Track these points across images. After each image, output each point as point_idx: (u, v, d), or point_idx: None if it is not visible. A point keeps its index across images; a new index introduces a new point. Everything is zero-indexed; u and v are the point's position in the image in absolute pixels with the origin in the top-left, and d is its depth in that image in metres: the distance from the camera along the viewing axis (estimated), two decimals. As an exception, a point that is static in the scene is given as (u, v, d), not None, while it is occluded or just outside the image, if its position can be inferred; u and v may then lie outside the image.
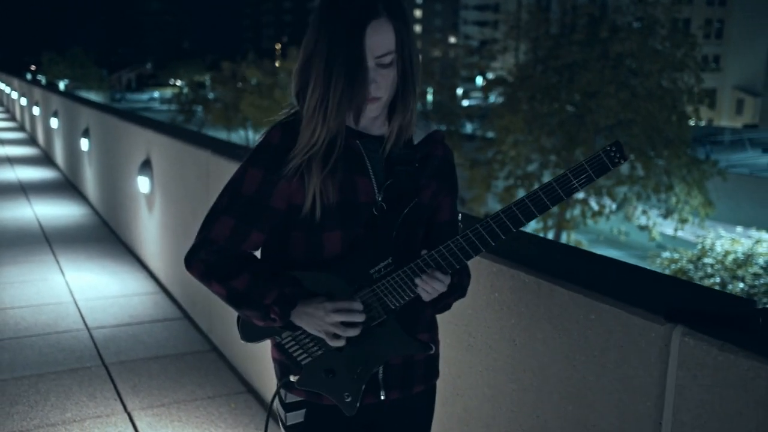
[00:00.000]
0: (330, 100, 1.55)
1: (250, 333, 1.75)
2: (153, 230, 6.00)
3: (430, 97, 30.92)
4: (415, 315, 1.73)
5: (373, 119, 1.66)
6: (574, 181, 1.44)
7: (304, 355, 1.71)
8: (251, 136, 41.73)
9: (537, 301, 1.91)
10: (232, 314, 4.36)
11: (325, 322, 1.60)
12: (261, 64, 39.46)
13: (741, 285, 12.01)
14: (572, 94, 21.43)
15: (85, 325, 5.00)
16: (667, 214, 21.09)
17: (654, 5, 21.71)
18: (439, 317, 2.27)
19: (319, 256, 1.65)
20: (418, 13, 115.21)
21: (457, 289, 1.73)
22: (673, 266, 13.56)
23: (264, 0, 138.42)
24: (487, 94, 25.96)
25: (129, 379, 4.15)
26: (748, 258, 12.55)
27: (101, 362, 4.39)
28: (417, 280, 1.60)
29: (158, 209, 5.80)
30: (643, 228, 20.99)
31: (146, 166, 5.93)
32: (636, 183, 20.47)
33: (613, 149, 1.42)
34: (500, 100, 23.49)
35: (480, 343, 2.15)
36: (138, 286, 5.88)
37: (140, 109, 61.27)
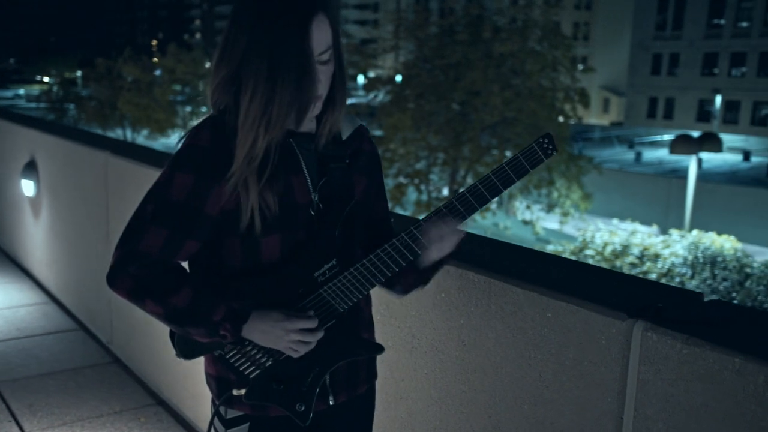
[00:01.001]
0: (275, 106, 1.46)
1: (188, 349, 1.63)
2: (40, 236, 5.62)
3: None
4: (356, 315, 1.69)
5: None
6: (511, 173, 1.49)
7: (252, 367, 1.62)
8: (129, 135, 40.07)
9: (488, 300, 1.91)
10: (136, 324, 4.14)
11: (284, 341, 1.54)
12: (139, 61, 37.84)
13: (620, 274, 12.69)
14: (458, 93, 21.95)
15: (-32, 341, 4.61)
16: (549, 209, 22.06)
17: (531, 7, 22.60)
18: (381, 320, 2.24)
19: (256, 261, 1.56)
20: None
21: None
22: (557, 258, 14.15)
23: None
24: (369, 92, 26.13)
25: (24, 398, 3.85)
26: (625, 248, 13.30)
27: (-10, 381, 4.05)
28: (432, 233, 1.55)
29: (46, 214, 5.43)
30: (527, 222, 21.82)
31: (31, 168, 5.54)
32: (519, 179, 21.20)
33: (546, 141, 1.47)
34: (387, 98, 23.72)
35: (425, 344, 2.12)
36: (24, 297, 5.48)
37: (3, 107, 57.47)
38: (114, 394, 3.94)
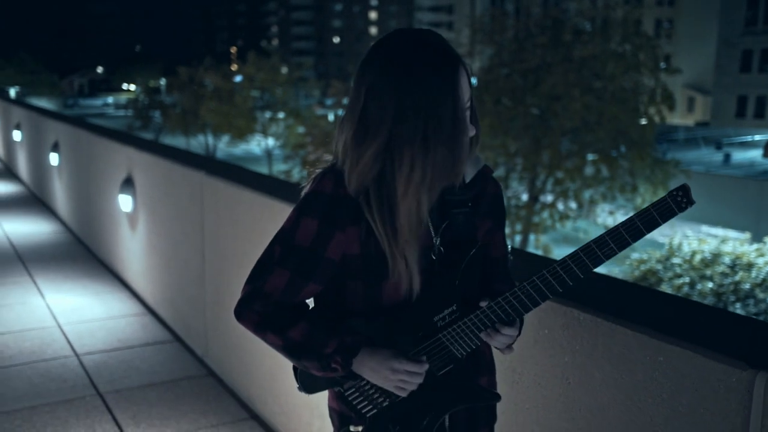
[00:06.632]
0: (430, 167, 1.48)
1: (310, 384, 1.71)
2: (137, 250, 5.85)
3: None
4: (476, 359, 1.70)
5: None
6: (640, 225, 1.44)
7: (369, 406, 1.67)
8: (211, 142, 41.25)
9: (594, 340, 1.89)
10: (230, 338, 4.27)
11: (389, 380, 1.58)
12: (220, 69, 38.91)
13: (710, 284, 12.25)
14: (537, 98, 21.65)
15: (74, 351, 4.84)
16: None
17: (614, 8, 22.09)
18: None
19: (378, 305, 1.61)
20: (373, 15, 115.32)
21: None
22: (642, 267, 13.78)
23: (216, 3, 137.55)
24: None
25: (127, 409, 4.03)
26: (715, 257, 12.80)
27: (95, 391, 4.25)
28: (483, 335, 1.59)
29: (142, 229, 5.66)
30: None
31: (128, 184, 5.78)
32: (601, 184, 20.78)
33: (680, 194, 1.40)
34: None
35: (527, 380, 2.11)
36: (123, 308, 5.73)
37: (94, 115, 60.10)
38: (211, 407, 4.07)
